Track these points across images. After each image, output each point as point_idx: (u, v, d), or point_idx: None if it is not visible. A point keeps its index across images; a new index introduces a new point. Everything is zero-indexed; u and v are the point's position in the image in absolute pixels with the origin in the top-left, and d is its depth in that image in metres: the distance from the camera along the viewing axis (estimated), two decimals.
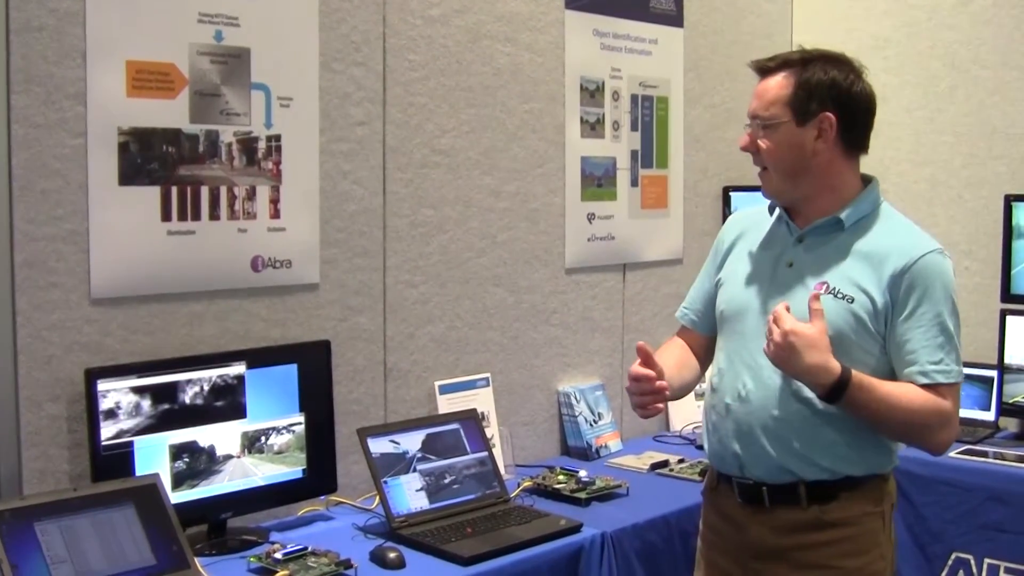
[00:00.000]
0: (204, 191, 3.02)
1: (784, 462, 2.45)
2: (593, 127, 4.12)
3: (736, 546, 2.57)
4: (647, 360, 2.47)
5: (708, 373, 2.72)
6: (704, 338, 2.77)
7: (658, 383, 2.45)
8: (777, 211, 2.61)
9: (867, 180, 2.54)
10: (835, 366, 2.31)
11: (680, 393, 2.70)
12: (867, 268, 2.42)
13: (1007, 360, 4.15)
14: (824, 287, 2.43)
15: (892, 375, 2.42)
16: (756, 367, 2.48)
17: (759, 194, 2.61)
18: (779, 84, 2.46)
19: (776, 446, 2.45)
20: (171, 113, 2.94)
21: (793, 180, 2.48)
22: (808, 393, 2.40)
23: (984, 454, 3.92)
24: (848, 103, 2.45)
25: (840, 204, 2.48)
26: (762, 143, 2.47)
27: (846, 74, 2.46)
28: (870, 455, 2.46)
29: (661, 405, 2.51)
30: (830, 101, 2.43)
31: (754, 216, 2.69)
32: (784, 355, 2.32)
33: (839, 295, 2.41)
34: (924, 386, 2.36)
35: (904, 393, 2.37)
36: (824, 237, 2.49)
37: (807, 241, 2.51)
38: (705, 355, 2.76)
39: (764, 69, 2.51)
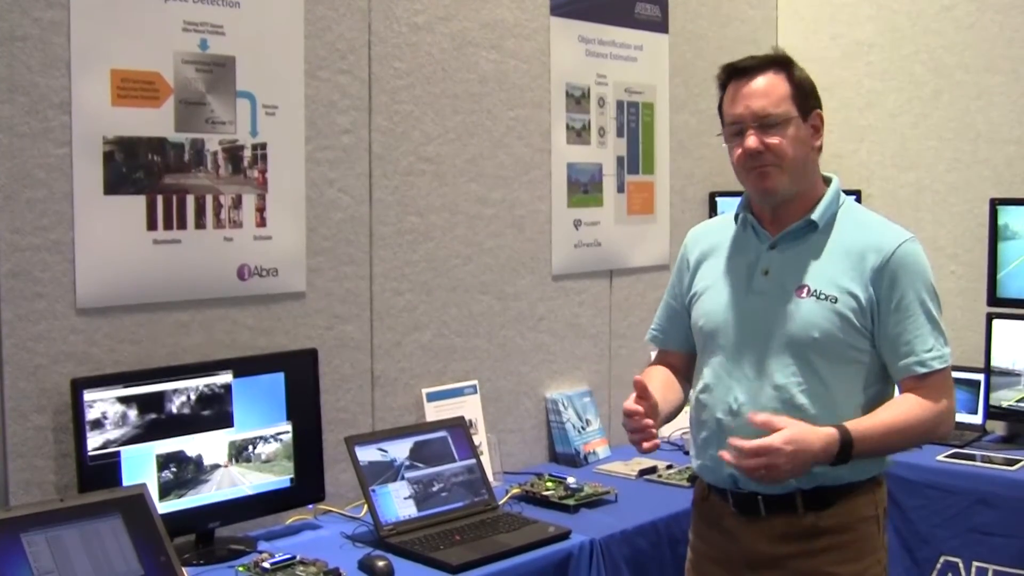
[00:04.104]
0: (190, 200, 3.01)
1: None
2: (579, 133, 4.13)
3: (729, 556, 2.55)
4: (643, 393, 2.42)
5: (693, 388, 2.66)
6: (679, 355, 2.74)
7: (644, 421, 2.40)
8: (741, 219, 2.59)
9: (827, 179, 2.56)
10: (832, 432, 2.30)
11: (671, 416, 2.65)
12: (846, 266, 2.42)
13: (994, 363, 4.17)
14: (805, 290, 2.42)
15: (884, 371, 2.44)
16: (746, 379, 2.46)
17: (741, 199, 2.61)
18: (778, 81, 2.45)
19: None
20: (156, 122, 2.94)
21: (799, 177, 2.47)
22: (802, 400, 2.40)
23: (972, 457, 3.93)
24: (820, 102, 2.52)
25: (812, 204, 2.49)
26: (774, 141, 2.42)
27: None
28: (865, 459, 2.43)
29: (657, 441, 2.43)
30: (816, 98, 2.49)
31: (715, 228, 2.68)
32: (795, 464, 2.27)
33: (821, 296, 2.41)
34: (922, 376, 2.39)
35: (901, 412, 2.38)
36: (797, 240, 2.49)
37: (779, 247, 2.50)
38: (685, 372, 2.72)
39: (748, 69, 2.48)
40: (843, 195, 2.56)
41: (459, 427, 3.40)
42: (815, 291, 2.42)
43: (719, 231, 2.66)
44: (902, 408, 2.40)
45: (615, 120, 4.27)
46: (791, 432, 2.27)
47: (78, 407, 2.70)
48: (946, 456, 3.93)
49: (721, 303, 2.55)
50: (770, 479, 2.29)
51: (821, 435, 2.29)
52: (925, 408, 2.39)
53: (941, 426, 2.44)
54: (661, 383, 2.65)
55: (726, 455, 2.31)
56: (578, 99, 4.12)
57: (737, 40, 4.79)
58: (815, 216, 2.47)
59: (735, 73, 2.50)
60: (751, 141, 2.43)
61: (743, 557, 2.52)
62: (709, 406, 2.53)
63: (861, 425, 2.34)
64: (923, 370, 2.39)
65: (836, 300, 2.40)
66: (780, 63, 2.48)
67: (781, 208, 2.50)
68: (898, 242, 2.42)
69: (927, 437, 2.47)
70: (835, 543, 2.44)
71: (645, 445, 2.42)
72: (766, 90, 2.44)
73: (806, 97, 2.46)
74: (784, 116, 2.43)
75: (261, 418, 3.03)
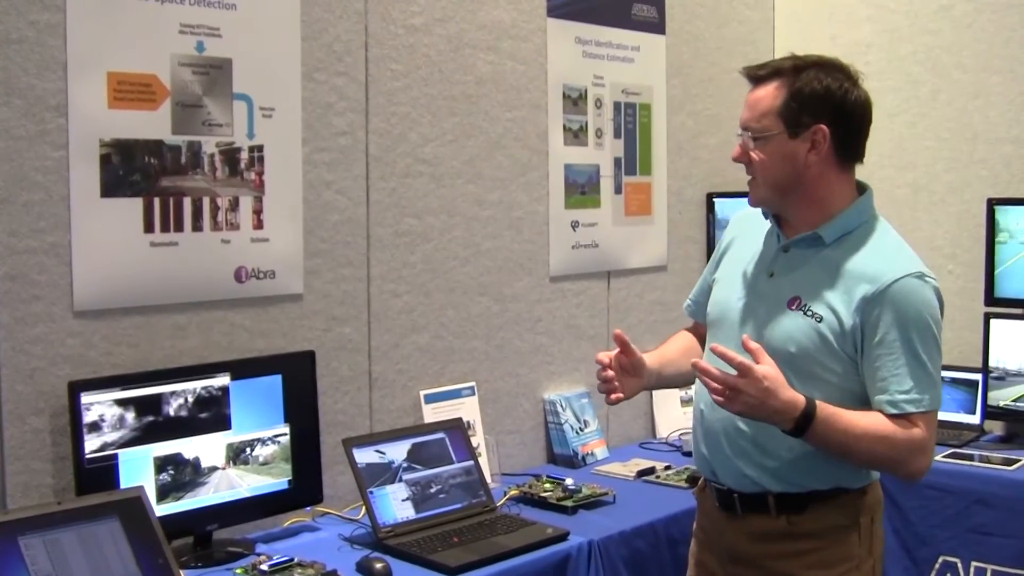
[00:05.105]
0: (187, 202, 3.01)
1: (748, 473, 2.44)
2: (576, 135, 4.12)
3: (718, 547, 2.58)
4: (624, 348, 2.52)
5: None
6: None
7: (606, 373, 2.51)
8: (771, 216, 2.55)
9: (862, 188, 2.48)
10: (800, 398, 2.25)
11: (687, 379, 2.66)
12: (840, 288, 2.36)
13: (991, 363, 4.16)
14: (796, 303, 2.39)
15: (855, 396, 2.36)
16: (727, 374, 2.45)
17: (743, 200, 2.57)
18: (770, 94, 2.37)
19: (740, 457, 2.44)
20: (153, 124, 2.94)
21: (782, 191, 2.42)
22: None
23: (970, 457, 3.93)
24: (842, 113, 2.37)
25: (825, 217, 2.41)
26: (754, 155, 2.39)
27: (840, 83, 2.37)
28: (834, 470, 2.40)
29: (620, 395, 2.53)
30: (823, 112, 2.35)
31: (756, 218, 2.60)
32: (759, 401, 2.22)
33: (808, 312, 2.37)
34: (895, 415, 2.30)
35: (871, 422, 2.30)
36: (807, 250, 2.44)
37: (791, 252, 2.46)
38: None
39: (755, 78, 2.42)
40: (874, 213, 2.47)
41: (457, 429, 3.40)
42: (805, 306, 2.38)
43: (756, 223, 2.59)
44: (873, 417, 2.31)
45: (612, 121, 4.27)
46: (774, 372, 2.23)
47: (75, 410, 2.70)
48: (944, 456, 3.93)
49: (728, 296, 2.55)
50: (728, 403, 2.25)
51: (791, 394, 2.24)
52: (896, 430, 2.29)
53: (910, 461, 2.32)
54: (679, 346, 2.75)
55: (699, 362, 2.30)
56: (575, 100, 4.11)
57: (735, 41, 4.79)
58: (822, 231, 2.41)
59: (748, 78, 2.46)
60: (735, 149, 2.45)
61: (727, 551, 2.55)
62: (698, 395, 2.56)
63: (828, 409, 2.27)
64: (893, 411, 2.29)
65: (821, 319, 2.35)
66: (785, 72, 2.39)
67: (790, 215, 2.47)
68: (897, 276, 2.31)
69: (891, 463, 2.35)
70: (809, 547, 2.42)
71: (611, 397, 2.53)
72: (754, 102, 2.41)
73: (800, 111, 2.35)
74: (761, 132, 2.38)
75: (259, 420, 3.02)
